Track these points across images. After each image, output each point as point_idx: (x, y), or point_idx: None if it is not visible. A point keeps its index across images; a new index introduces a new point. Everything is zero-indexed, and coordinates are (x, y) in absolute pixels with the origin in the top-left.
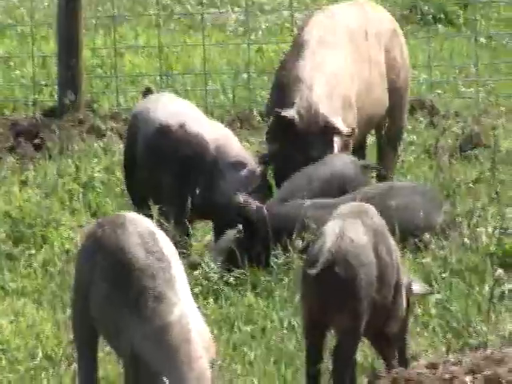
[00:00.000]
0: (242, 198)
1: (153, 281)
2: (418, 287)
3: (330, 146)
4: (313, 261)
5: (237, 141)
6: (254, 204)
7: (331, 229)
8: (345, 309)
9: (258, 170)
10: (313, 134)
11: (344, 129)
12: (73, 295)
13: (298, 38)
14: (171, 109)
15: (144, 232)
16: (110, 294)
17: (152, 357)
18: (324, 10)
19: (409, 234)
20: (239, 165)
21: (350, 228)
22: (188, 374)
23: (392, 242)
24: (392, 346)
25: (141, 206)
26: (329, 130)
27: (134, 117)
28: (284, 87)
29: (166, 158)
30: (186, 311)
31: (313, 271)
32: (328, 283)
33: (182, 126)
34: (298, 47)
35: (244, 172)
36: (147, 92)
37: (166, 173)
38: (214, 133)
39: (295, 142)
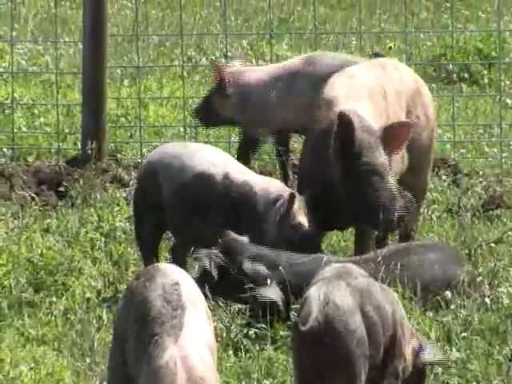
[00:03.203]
0: (249, 264)
1: (160, 328)
2: (428, 355)
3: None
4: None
5: (278, 182)
6: (261, 268)
7: (316, 294)
8: (339, 376)
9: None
10: (369, 144)
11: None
12: (111, 348)
13: (321, 98)
14: (208, 156)
15: (168, 282)
16: (135, 347)
17: None
18: (343, 71)
19: (429, 291)
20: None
21: (334, 292)
22: None
23: (384, 302)
24: None
25: (149, 255)
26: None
27: (153, 164)
28: (324, 133)
29: (209, 206)
30: (176, 355)
31: (302, 328)
32: (319, 352)
33: (225, 175)
34: (326, 104)
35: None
36: None
37: (209, 221)
38: (255, 179)
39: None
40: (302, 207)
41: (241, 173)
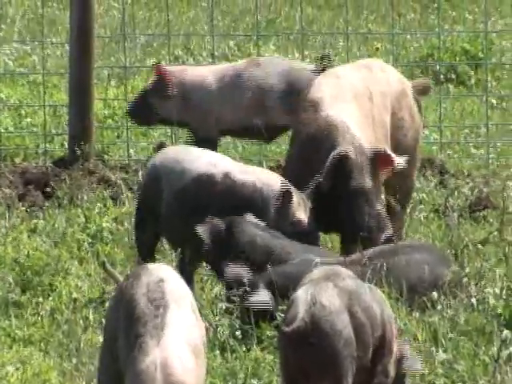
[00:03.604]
0: (230, 269)
1: (143, 328)
2: (409, 363)
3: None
4: (287, 333)
5: (280, 178)
6: (245, 272)
7: (303, 295)
8: (325, 377)
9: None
10: (363, 166)
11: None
12: (101, 349)
13: (307, 99)
14: (209, 159)
15: (153, 281)
16: (125, 344)
17: None
18: (329, 72)
19: (415, 291)
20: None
21: (321, 293)
22: None
23: (372, 303)
24: None
25: (148, 259)
26: (377, 161)
27: (155, 168)
28: (311, 138)
29: (211, 208)
30: (157, 359)
31: (288, 329)
32: (305, 353)
33: (226, 175)
34: (312, 105)
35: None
36: (161, 146)
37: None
38: (257, 177)
39: (346, 175)
40: (302, 203)
41: (241, 172)
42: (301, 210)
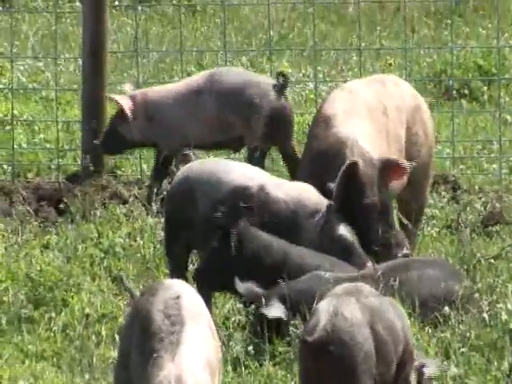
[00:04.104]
0: (241, 285)
1: (159, 344)
2: (430, 369)
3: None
4: (308, 341)
5: (313, 192)
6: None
7: (325, 307)
8: None
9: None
10: (372, 178)
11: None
12: (115, 366)
13: (320, 114)
14: (244, 171)
15: (169, 296)
16: (139, 361)
17: None
18: (342, 86)
19: (427, 306)
20: (316, 215)
21: (343, 306)
22: None
23: (394, 319)
24: None
25: (180, 272)
26: (388, 171)
27: (187, 180)
28: (321, 154)
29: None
30: (171, 375)
31: (312, 356)
32: (325, 363)
33: (261, 189)
34: (325, 121)
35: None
36: (185, 158)
37: None
38: (290, 191)
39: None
40: (339, 219)
41: (276, 186)
42: (339, 226)
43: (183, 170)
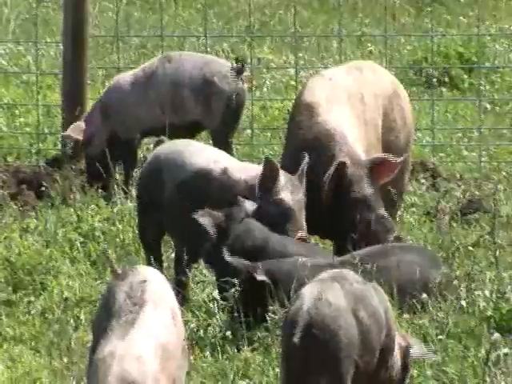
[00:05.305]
0: (232, 259)
1: (116, 321)
2: (416, 351)
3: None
4: (291, 323)
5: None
6: (245, 263)
7: (309, 292)
8: (325, 371)
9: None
10: (361, 177)
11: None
12: (90, 347)
13: (301, 101)
14: (209, 155)
15: (136, 280)
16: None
17: None
18: (321, 73)
19: (405, 293)
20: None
21: (328, 291)
22: None
23: (378, 306)
24: None
25: (152, 251)
26: (376, 170)
27: (158, 160)
28: (307, 144)
29: (206, 202)
30: (117, 352)
31: (295, 339)
32: (307, 346)
33: (224, 172)
34: (307, 109)
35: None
36: (160, 143)
37: None
38: (254, 173)
39: (345, 188)
40: (289, 185)
41: (240, 169)
42: (286, 191)
43: (155, 152)
